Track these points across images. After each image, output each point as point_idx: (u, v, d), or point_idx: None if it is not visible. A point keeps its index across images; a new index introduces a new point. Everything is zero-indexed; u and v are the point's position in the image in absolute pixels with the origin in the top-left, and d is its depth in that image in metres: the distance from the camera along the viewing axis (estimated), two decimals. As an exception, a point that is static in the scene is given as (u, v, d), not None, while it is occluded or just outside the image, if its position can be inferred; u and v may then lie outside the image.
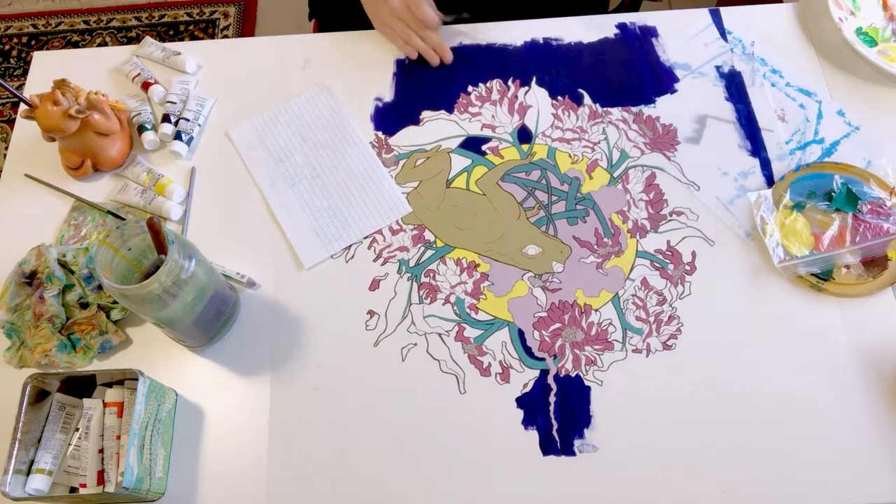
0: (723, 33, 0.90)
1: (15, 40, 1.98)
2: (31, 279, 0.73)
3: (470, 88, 0.87)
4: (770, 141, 0.82)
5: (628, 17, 0.92)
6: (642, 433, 0.68)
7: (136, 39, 1.94)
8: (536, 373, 0.71)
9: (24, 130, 0.86)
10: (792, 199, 0.78)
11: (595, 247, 0.77)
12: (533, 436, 0.68)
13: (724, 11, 0.91)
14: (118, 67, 0.90)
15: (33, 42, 1.97)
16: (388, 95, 0.87)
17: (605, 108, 0.85)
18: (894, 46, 0.87)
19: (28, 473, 0.63)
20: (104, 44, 1.95)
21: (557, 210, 0.79)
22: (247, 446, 0.69)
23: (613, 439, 0.68)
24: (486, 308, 0.74)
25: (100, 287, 0.73)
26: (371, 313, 0.74)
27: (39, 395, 0.65)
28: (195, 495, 0.67)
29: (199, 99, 0.86)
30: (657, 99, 0.85)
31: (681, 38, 0.90)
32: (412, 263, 0.77)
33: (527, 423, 0.69)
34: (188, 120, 0.85)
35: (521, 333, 0.73)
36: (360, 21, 0.91)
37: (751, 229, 0.77)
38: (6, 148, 1.64)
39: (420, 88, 0.87)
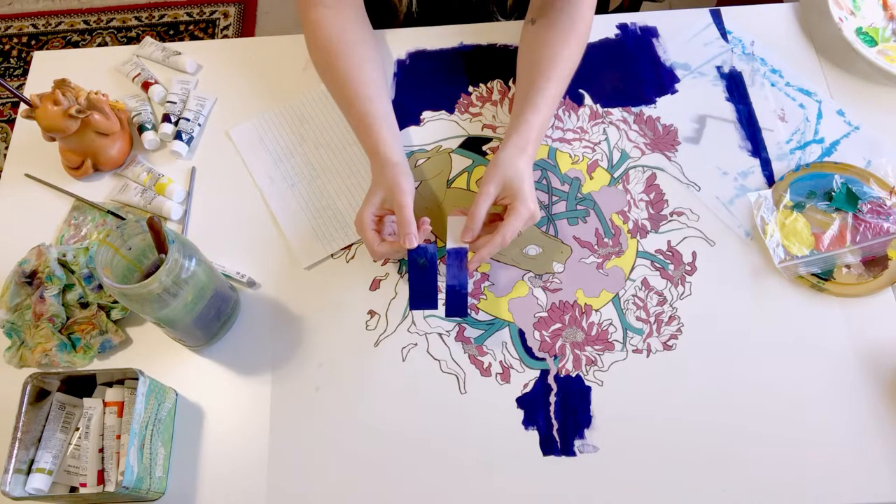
0: (723, 33, 0.90)
1: (15, 40, 1.98)
2: (31, 279, 0.73)
3: (471, 89, 0.87)
4: (770, 141, 0.82)
5: (628, 18, 0.92)
6: (643, 433, 0.68)
7: (136, 39, 1.94)
8: (537, 373, 0.71)
9: (25, 130, 0.86)
10: (792, 199, 0.78)
11: (595, 247, 0.77)
12: (533, 436, 0.68)
13: (725, 11, 0.91)
14: (118, 67, 0.91)
15: (33, 42, 1.98)
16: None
17: (605, 109, 0.85)
18: (894, 46, 0.87)
19: (28, 473, 0.63)
20: (104, 44, 1.95)
21: (558, 210, 0.79)
22: (247, 446, 0.69)
23: (614, 440, 0.68)
24: (487, 308, 0.74)
25: (100, 286, 0.73)
26: (371, 313, 0.74)
27: (39, 395, 0.65)
28: (195, 495, 0.67)
29: (199, 99, 0.87)
30: (657, 99, 0.85)
31: (681, 38, 0.90)
32: (412, 263, 0.76)
33: (527, 423, 0.69)
34: (188, 120, 0.85)
35: (521, 333, 0.73)
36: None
37: (751, 229, 0.77)
38: (6, 148, 1.64)
39: (420, 88, 0.87)
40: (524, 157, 0.72)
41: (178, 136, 0.84)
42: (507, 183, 0.70)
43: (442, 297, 0.73)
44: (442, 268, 0.76)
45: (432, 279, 0.70)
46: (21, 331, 0.72)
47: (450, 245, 0.71)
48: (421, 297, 0.70)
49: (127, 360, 0.73)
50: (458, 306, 0.70)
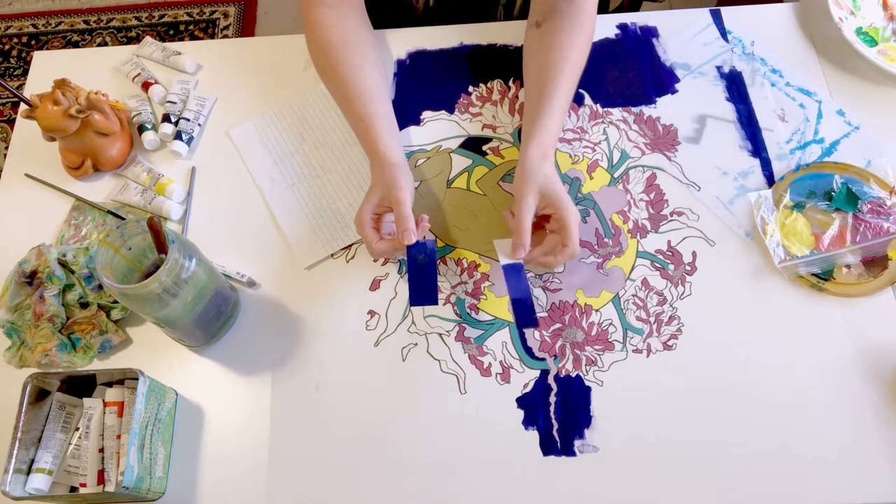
0: (723, 33, 0.90)
1: (15, 40, 1.98)
2: (31, 279, 0.73)
3: (471, 89, 0.87)
4: (770, 141, 0.82)
5: (628, 17, 0.92)
6: (642, 433, 0.68)
7: (136, 39, 1.94)
8: (537, 373, 0.71)
9: (25, 130, 0.86)
10: (792, 199, 0.78)
11: (596, 247, 0.77)
12: (533, 436, 0.68)
13: (725, 11, 0.91)
14: (118, 67, 0.91)
15: (33, 42, 1.97)
16: (388, 95, 0.87)
17: (605, 109, 0.85)
18: (894, 46, 0.87)
19: (28, 473, 0.63)
20: (104, 44, 1.95)
21: (558, 210, 0.79)
22: (247, 446, 0.69)
23: (614, 440, 0.68)
24: (487, 308, 0.74)
25: (100, 286, 0.73)
26: (371, 313, 0.74)
27: (40, 395, 0.65)
28: (195, 495, 0.67)
29: (199, 99, 0.87)
30: (657, 99, 0.85)
31: (681, 38, 0.90)
32: (412, 263, 0.76)
33: (527, 423, 0.69)
34: (188, 120, 0.85)
35: (521, 333, 0.73)
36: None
37: (751, 229, 0.77)
38: (6, 148, 1.64)
39: (421, 88, 0.87)
40: (547, 163, 0.72)
41: (178, 136, 0.84)
42: (545, 192, 0.70)
43: (444, 293, 0.74)
44: (444, 267, 0.76)
45: (432, 274, 0.70)
46: (21, 331, 0.72)
47: (503, 262, 0.70)
48: (421, 293, 0.70)
49: (127, 360, 0.73)
50: (527, 317, 0.68)
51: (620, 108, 0.85)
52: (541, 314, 0.74)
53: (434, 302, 0.70)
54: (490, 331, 0.73)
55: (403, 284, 0.75)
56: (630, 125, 0.84)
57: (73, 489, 0.64)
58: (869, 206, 0.77)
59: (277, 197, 0.81)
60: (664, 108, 0.85)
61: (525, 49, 0.83)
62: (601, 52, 0.89)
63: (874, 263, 0.75)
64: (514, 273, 0.70)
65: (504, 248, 0.71)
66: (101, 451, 0.65)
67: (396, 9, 0.89)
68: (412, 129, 0.85)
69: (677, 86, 0.86)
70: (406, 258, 0.70)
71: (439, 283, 0.75)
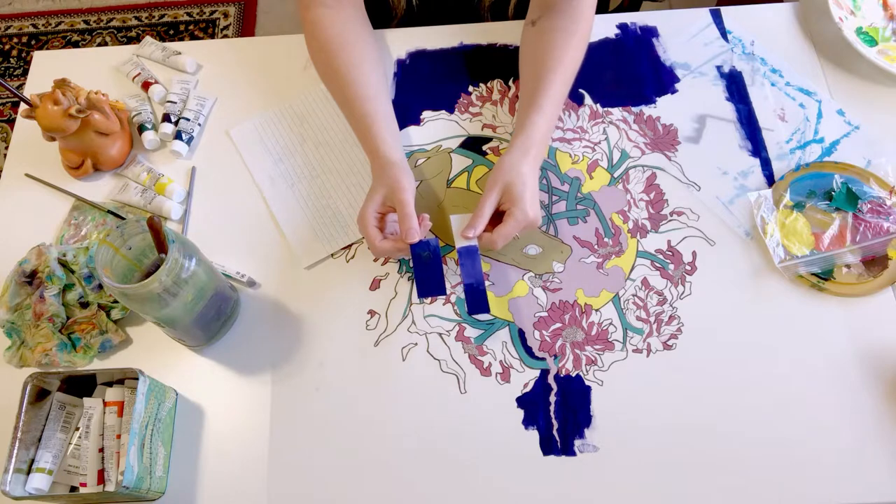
0: (723, 33, 0.90)
1: (15, 40, 1.98)
2: (31, 278, 0.73)
3: (471, 88, 0.87)
4: (770, 140, 0.82)
5: (628, 17, 0.92)
6: (643, 433, 0.68)
7: (136, 39, 1.94)
8: (537, 372, 0.71)
9: (25, 130, 0.86)
10: (792, 199, 0.78)
11: (595, 247, 0.77)
12: (533, 436, 0.68)
13: (725, 11, 0.91)
14: (118, 67, 0.91)
15: (33, 42, 1.97)
16: (388, 95, 0.87)
17: (605, 109, 0.85)
18: (894, 46, 0.87)
19: (28, 472, 0.63)
20: (104, 44, 1.95)
21: (558, 210, 0.79)
22: (247, 446, 0.69)
23: (614, 439, 0.68)
24: (487, 308, 0.74)
25: (100, 286, 0.73)
26: (371, 313, 0.74)
27: (40, 395, 0.65)
28: (195, 495, 0.67)
29: (199, 99, 0.87)
30: (657, 99, 0.85)
31: (681, 38, 0.90)
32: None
33: (527, 422, 0.69)
34: (188, 119, 0.85)
35: (521, 333, 0.73)
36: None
37: (751, 229, 0.77)
38: (6, 148, 1.64)
39: (420, 88, 0.87)
40: (527, 159, 0.72)
41: (178, 135, 0.84)
42: (508, 188, 0.70)
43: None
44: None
45: (437, 268, 0.70)
46: (21, 330, 0.72)
47: (459, 244, 0.71)
48: (429, 286, 0.71)
49: (127, 359, 0.73)
50: (479, 303, 0.70)
51: (620, 108, 0.85)
52: (541, 314, 0.74)
53: (443, 292, 0.71)
54: (490, 331, 0.73)
55: (403, 284, 0.75)
56: (630, 125, 0.84)
57: (73, 489, 0.64)
58: (869, 205, 0.77)
59: (277, 197, 0.81)
60: (664, 108, 0.85)
61: (521, 47, 0.83)
62: (601, 52, 0.89)
63: (874, 263, 0.74)
64: (468, 258, 0.71)
65: (459, 225, 0.72)
66: (101, 450, 0.65)
67: (376, 11, 0.89)
68: (412, 129, 0.85)
69: (677, 85, 0.86)
70: (406, 259, 0.71)
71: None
